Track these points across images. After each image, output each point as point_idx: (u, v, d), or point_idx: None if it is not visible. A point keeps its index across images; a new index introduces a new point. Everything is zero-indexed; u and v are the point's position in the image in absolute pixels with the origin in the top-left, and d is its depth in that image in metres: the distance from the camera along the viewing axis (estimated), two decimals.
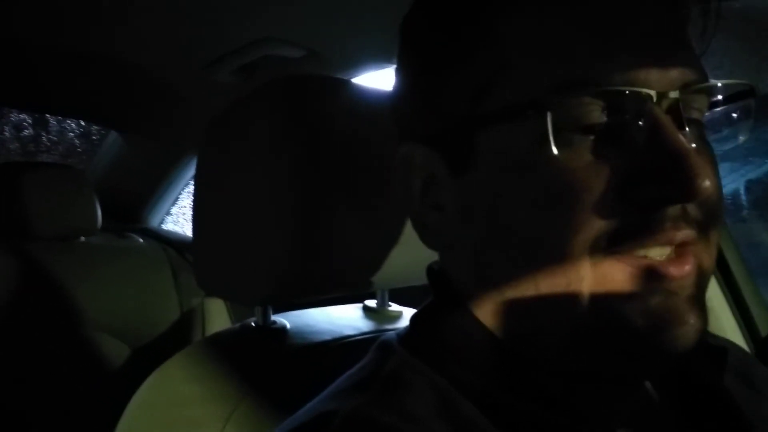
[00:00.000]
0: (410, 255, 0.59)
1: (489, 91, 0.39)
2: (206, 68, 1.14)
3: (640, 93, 0.36)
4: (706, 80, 0.38)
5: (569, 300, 0.37)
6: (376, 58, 1.09)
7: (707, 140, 0.40)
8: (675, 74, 0.37)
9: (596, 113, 0.36)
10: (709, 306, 0.89)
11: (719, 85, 0.39)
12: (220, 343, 0.65)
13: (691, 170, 0.34)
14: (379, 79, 1.16)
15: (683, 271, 0.36)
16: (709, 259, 0.39)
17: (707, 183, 0.34)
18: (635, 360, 0.38)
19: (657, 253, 0.36)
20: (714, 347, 0.47)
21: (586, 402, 0.40)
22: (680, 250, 0.37)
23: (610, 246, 0.36)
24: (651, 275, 0.36)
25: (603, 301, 0.36)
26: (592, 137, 0.36)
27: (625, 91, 0.36)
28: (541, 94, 0.36)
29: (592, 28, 0.37)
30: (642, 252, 0.36)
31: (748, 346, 0.91)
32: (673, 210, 0.36)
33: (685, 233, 0.36)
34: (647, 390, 0.44)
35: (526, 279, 0.38)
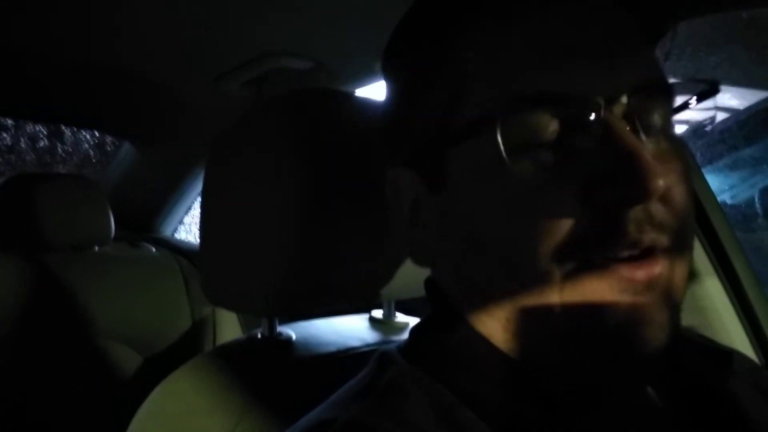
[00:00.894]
0: (416, 266, 0.59)
1: (454, 110, 0.40)
2: (216, 80, 1.16)
3: (587, 99, 0.36)
4: (663, 83, 0.38)
5: (544, 308, 0.38)
6: None
7: (679, 144, 0.40)
8: (625, 80, 0.37)
9: (549, 123, 0.37)
10: (718, 315, 0.89)
11: (674, 85, 0.39)
12: (226, 354, 0.66)
13: (642, 169, 0.34)
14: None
15: (651, 273, 0.36)
16: (680, 271, 0.39)
17: (661, 182, 0.34)
18: (616, 363, 0.38)
19: (626, 255, 0.36)
20: (718, 351, 0.47)
21: (589, 407, 0.40)
22: (648, 253, 0.37)
23: (578, 253, 0.36)
24: (619, 279, 0.36)
25: (575, 307, 0.37)
26: (548, 147, 0.37)
27: (573, 98, 0.36)
28: (493, 109, 0.37)
29: (541, 41, 0.38)
30: (610, 255, 0.36)
31: (757, 356, 0.90)
32: (635, 212, 0.36)
33: (651, 237, 0.36)
34: (651, 395, 0.44)
35: (503, 290, 0.39)
